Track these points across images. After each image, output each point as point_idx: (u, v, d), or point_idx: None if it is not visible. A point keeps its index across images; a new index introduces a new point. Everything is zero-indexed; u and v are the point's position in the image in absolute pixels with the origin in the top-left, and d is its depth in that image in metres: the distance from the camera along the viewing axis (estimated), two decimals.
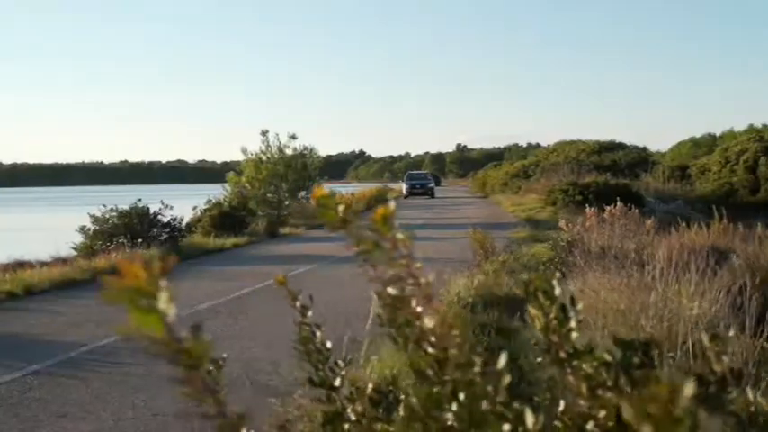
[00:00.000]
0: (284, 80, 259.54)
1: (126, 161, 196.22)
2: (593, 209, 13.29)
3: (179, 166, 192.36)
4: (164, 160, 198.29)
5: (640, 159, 44.48)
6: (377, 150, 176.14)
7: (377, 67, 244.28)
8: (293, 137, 27.11)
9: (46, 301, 11.35)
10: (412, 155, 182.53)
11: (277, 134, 26.84)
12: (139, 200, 17.59)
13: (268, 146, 26.70)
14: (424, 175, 60.59)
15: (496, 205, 38.17)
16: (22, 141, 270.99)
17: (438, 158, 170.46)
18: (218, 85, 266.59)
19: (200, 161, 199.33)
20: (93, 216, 17.33)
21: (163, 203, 18.32)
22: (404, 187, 52.12)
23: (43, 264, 15.22)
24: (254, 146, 26.88)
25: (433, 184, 53.68)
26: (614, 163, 43.02)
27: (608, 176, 31.49)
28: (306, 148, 27.63)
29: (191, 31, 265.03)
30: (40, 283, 12.26)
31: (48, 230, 35.44)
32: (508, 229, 22.57)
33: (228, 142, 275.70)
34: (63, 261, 16.20)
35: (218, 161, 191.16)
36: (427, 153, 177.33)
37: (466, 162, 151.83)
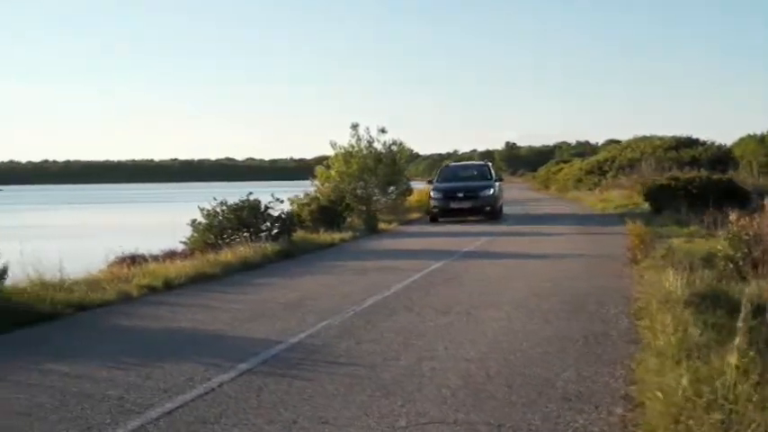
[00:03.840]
0: (328, 78, 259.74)
1: (176, 159, 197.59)
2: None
3: (228, 164, 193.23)
4: (212, 158, 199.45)
5: (721, 155, 43.13)
6: (424, 148, 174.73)
7: (424, 62, 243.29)
8: (383, 130, 26.51)
9: (189, 295, 10.81)
10: (460, 152, 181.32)
11: (367, 128, 26.22)
12: (251, 193, 17.05)
13: (358, 139, 26.11)
14: (475, 168, 28.66)
15: (578, 202, 37.21)
16: (75, 139, 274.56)
17: (486, 156, 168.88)
18: (265, 84, 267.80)
19: (248, 159, 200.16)
20: (204, 210, 16.82)
21: (273, 197, 17.81)
22: (433, 198, 25.08)
23: (156, 258, 14.77)
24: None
25: (495, 191, 25.17)
26: (694, 159, 41.87)
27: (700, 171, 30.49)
28: (395, 142, 26.99)
29: (240, 29, 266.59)
30: (177, 277, 11.75)
31: (137, 226, 35.44)
32: (612, 224, 21.75)
33: (275, 141, 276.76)
34: (173, 254, 15.79)
35: (266, 159, 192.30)
36: (475, 150, 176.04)
37: (515, 160, 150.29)
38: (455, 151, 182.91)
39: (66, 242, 22.18)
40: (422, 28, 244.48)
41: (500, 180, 26.78)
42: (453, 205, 24.34)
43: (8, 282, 9.49)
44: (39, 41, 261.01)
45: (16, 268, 9.99)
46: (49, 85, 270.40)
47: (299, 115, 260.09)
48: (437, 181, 26.04)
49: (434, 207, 24.69)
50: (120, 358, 6.88)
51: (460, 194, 24.39)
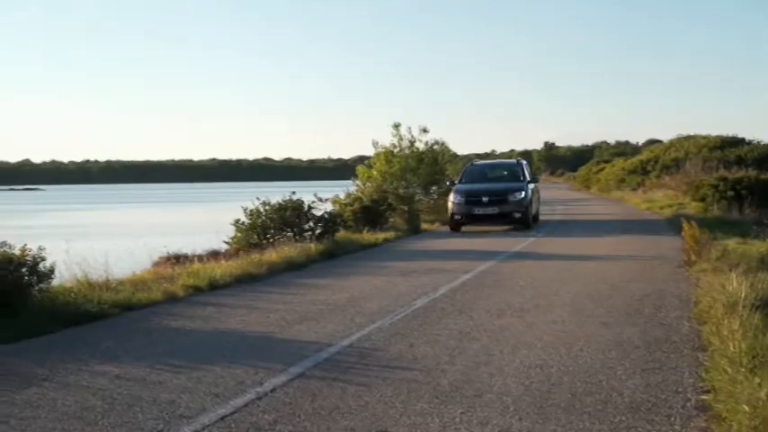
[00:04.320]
0: (367, 78, 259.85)
1: (215, 159, 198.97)
2: None
3: (266, 164, 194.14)
4: (251, 158, 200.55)
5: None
6: (461, 148, 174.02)
7: (464, 62, 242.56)
8: (424, 130, 26.23)
9: (234, 295, 10.69)
10: (498, 152, 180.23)
11: (409, 127, 25.99)
12: (294, 192, 16.94)
13: (400, 139, 25.89)
14: (505, 167, 24.86)
15: (622, 202, 36.67)
16: (117, 139, 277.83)
17: (524, 156, 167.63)
18: (304, 84, 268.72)
19: (286, 159, 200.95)
20: (247, 209, 16.74)
21: (316, 196, 17.70)
22: (453, 202, 21.39)
23: (200, 257, 14.71)
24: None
25: (527, 194, 21.35)
26: (740, 158, 41.03)
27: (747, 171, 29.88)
28: (437, 142, 26.73)
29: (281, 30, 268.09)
30: (222, 277, 11.63)
31: (179, 225, 35.63)
32: (659, 225, 21.34)
33: (313, 141, 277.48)
34: (216, 254, 15.74)
35: (304, 159, 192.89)
36: (513, 150, 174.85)
37: (554, 159, 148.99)
38: (492, 151, 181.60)
39: (110, 241, 22.27)
40: (461, 27, 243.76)
41: (535, 181, 23.15)
42: (477, 211, 20.70)
43: (55, 281, 9.42)
44: (84, 42, 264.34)
45: (62, 268, 9.94)
46: (92, 86, 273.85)
47: (337, 116, 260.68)
48: (459, 182, 22.52)
49: (454, 213, 20.97)
50: (169, 360, 6.75)
51: (485, 198, 20.69)
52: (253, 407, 5.35)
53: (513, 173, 22.77)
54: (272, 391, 5.73)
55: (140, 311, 9.46)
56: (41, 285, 8.90)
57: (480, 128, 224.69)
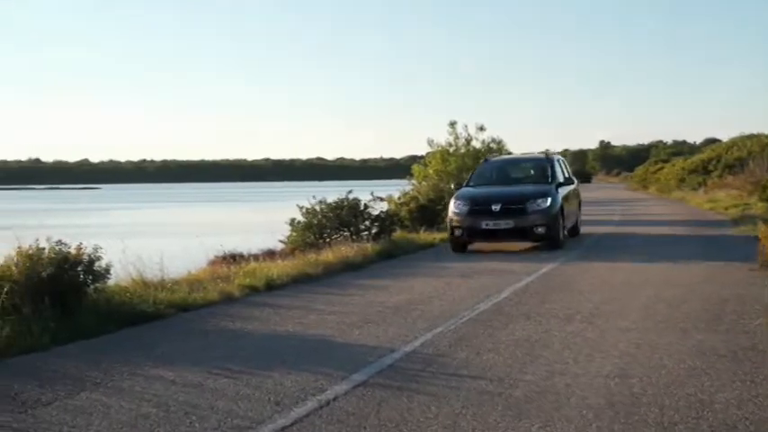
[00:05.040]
0: (420, 77, 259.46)
1: (268, 158, 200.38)
2: None
3: (318, 164, 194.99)
4: (304, 157, 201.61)
5: None
6: (515, 147, 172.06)
7: (518, 60, 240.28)
8: (481, 128, 25.86)
9: (292, 296, 10.43)
10: (552, 151, 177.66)
11: (465, 125, 25.60)
12: (350, 191, 16.67)
13: (456, 137, 25.51)
14: (531, 164, 18.40)
15: (683, 203, 35.72)
16: (173, 139, 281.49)
17: (579, 156, 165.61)
18: (357, 84, 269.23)
19: (338, 158, 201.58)
20: (303, 208, 16.51)
21: (373, 195, 17.41)
22: (453, 212, 15.83)
23: (256, 256, 14.52)
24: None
25: (556, 201, 15.63)
26: None
27: None
28: (493, 140, 26.28)
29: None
30: (278, 277, 11.39)
31: (234, 224, 35.74)
32: (726, 227, 20.61)
33: (365, 141, 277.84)
34: (272, 254, 15.57)
35: (357, 158, 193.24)
36: (567, 150, 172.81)
37: (609, 159, 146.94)
38: (547, 150, 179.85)
39: (165, 240, 22.29)
40: (515, 27, 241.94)
41: (569, 183, 17.24)
42: (485, 224, 15.15)
43: (110, 280, 9.25)
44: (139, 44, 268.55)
45: (117, 267, 9.77)
46: (149, 87, 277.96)
47: (389, 115, 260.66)
48: (467, 185, 17.13)
49: (454, 227, 15.51)
50: (226, 365, 6.48)
51: (496, 207, 15.17)
52: (315, 417, 5.04)
53: (540, 172, 17.19)
54: (335, 399, 5.41)
55: (196, 312, 9.24)
56: (97, 285, 8.72)
57: (535, 127, 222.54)
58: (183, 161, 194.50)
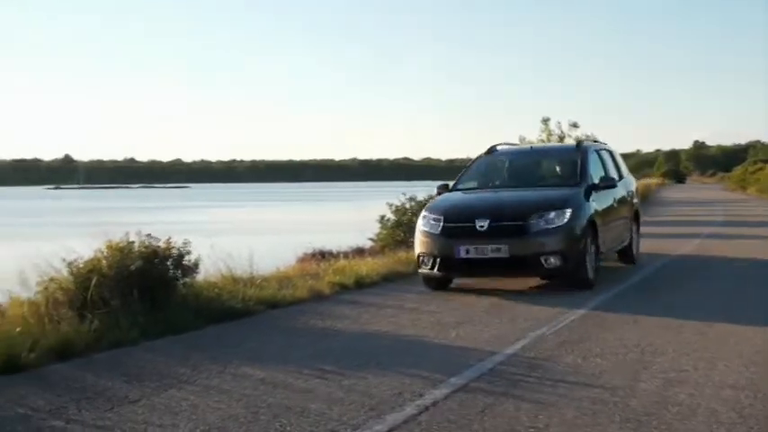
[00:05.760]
0: (507, 77, 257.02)
1: (355, 158, 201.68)
2: None
3: (405, 163, 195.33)
4: (390, 157, 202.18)
5: None
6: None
7: (611, 59, 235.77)
8: (575, 125, 25.12)
9: (383, 294, 10.08)
10: (643, 151, 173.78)
11: (558, 122, 24.87)
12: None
13: (549, 134, 24.84)
14: (554, 156, 12.85)
15: None
16: (262, 139, 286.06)
17: (672, 156, 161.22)
18: (444, 84, 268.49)
19: (425, 159, 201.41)
20: (392, 206, 16.17)
21: None
22: (421, 232, 10.25)
23: (345, 254, 14.27)
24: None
25: (580, 214, 9.94)
26: None
27: None
28: (587, 138, 25.44)
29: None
30: (368, 275, 11.07)
31: (323, 222, 35.83)
32: None
33: (451, 140, 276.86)
34: (361, 251, 15.32)
35: (443, 158, 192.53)
36: (659, 150, 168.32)
37: (703, 159, 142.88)
38: (637, 151, 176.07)
39: (253, 238, 22.30)
40: (603, 25, 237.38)
41: (609, 185, 11.32)
42: (465, 251, 9.79)
43: (198, 276, 9.08)
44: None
45: (207, 262, 9.59)
46: (239, 89, 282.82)
47: (476, 115, 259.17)
48: (454, 187, 11.66)
49: (423, 254, 10.23)
50: (317, 365, 6.17)
51: (482, 223, 9.78)
52: (413, 424, 4.66)
53: (565, 169, 11.53)
54: (434, 404, 5.03)
55: (286, 309, 8.99)
56: (186, 279, 8.55)
57: (627, 126, 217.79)
58: (271, 161, 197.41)
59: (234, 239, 17.84)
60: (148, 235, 8.39)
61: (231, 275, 9.76)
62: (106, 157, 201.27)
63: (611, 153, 12.86)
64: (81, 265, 7.71)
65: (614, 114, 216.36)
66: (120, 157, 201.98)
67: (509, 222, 9.77)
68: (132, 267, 7.83)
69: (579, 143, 12.63)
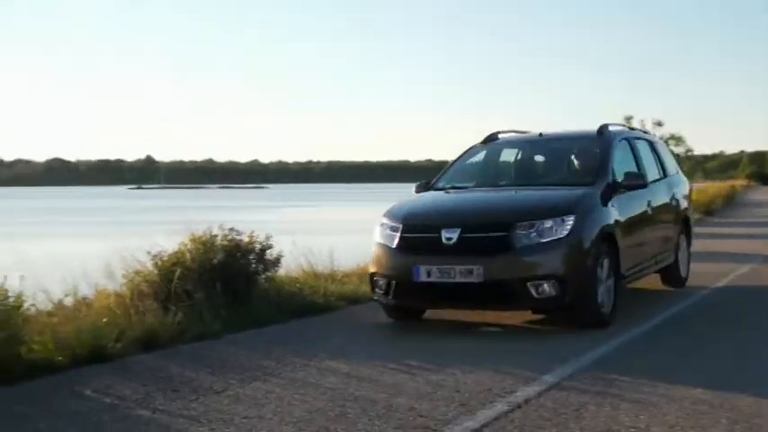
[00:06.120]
0: (584, 75, 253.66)
1: (430, 159, 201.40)
2: None
3: None
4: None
5: None
6: (695, 146, 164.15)
7: (689, 54, 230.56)
8: (659, 123, 24.47)
9: None
10: (726, 152, 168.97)
11: (641, 120, 24.27)
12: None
13: None
14: (572, 144, 9.00)
15: None
16: (338, 140, 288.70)
17: (757, 157, 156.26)
18: (509, 83, 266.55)
19: None
20: None
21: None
22: (378, 246, 7.60)
23: None
24: None
25: (588, 222, 7.06)
26: None
27: None
28: (673, 137, 24.82)
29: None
30: None
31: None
32: None
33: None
34: None
35: None
36: (743, 151, 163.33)
37: None
38: (721, 152, 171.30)
39: (334, 236, 22.30)
40: (689, 21, 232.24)
41: (638, 184, 8.23)
42: (426, 274, 7.05)
43: (280, 271, 9.04)
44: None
45: (289, 258, 9.55)
46: (319, 92, 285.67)
47: (542, 115, 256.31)
48: (433, 185, 8.95)
49: (375, 275, 7.71)
50: (403, 360, 6.01)
51: (450, 235, 7.03)
52: (505, 421, 4.47)
53: (583, 163, 8.60)
54: (526, 402, 4.82)
55: (367, 305, 8.85)
56: (268, 273, 8.51)
57: (711, 126, 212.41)
58: (347, 162, 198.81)
59: (313, 237, 17.85)
60: (231, 229, 8.37)
61: (312, 271, 9.71)
62: (186, 158, 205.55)
63: (651, 144, 9.96)
64: (165, 258, 7.74)
65: (698, 114, 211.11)
66: (199, 158, 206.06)
67: (486, 234, 6.96)
68: (215, 261, 7.82)
69: (602, 128, 8.78)
